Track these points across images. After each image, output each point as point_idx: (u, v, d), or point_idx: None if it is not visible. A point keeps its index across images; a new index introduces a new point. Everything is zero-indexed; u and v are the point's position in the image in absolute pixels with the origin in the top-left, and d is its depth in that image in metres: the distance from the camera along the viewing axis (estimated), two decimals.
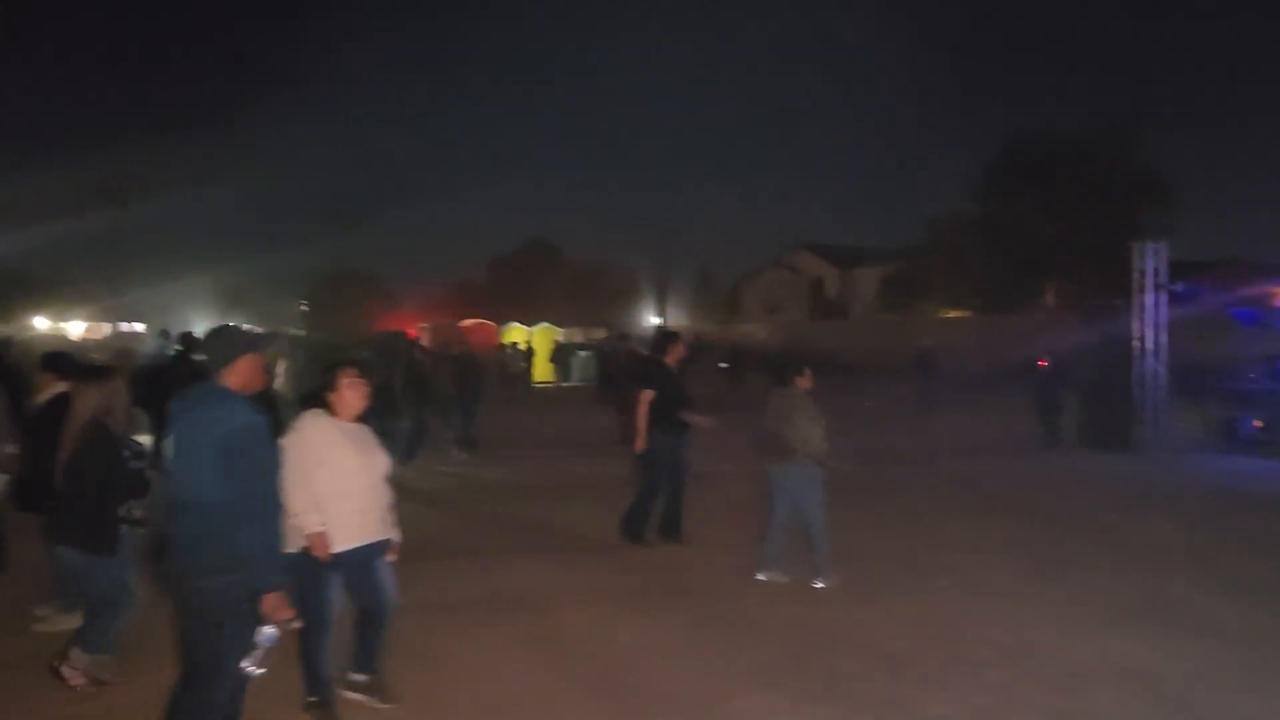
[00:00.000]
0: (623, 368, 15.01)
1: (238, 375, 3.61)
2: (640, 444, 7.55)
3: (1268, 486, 11.16)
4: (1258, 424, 13.96)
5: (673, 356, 7.88)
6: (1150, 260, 13.84)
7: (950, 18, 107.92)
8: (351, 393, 4.30)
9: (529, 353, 28.47)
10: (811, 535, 6.70)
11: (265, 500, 3.54)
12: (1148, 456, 13.52)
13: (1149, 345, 13.85)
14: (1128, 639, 5.65)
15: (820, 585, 6.64)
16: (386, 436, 11.35)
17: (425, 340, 29.60)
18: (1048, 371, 14.85)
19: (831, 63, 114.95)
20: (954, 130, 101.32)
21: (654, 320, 53.18)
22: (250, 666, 3.48)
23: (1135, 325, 13.93)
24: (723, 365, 29.88)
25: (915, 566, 7.34)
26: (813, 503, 6.65)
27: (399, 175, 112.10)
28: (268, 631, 3.47)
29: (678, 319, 64.90)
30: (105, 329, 50.33)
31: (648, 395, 7.57)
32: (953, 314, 45.21)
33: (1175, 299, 14.10)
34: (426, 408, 13.28)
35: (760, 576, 6.83)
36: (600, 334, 39.52)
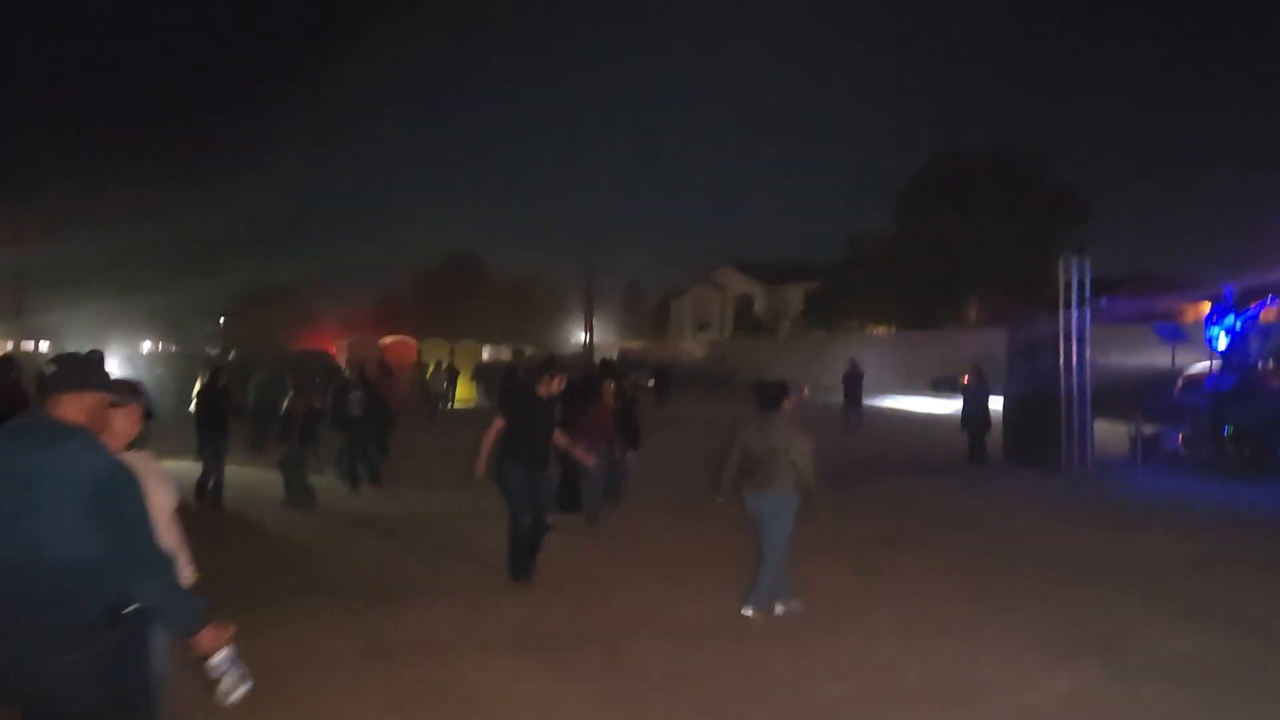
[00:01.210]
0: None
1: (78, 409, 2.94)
2: (479, 467, 7.21)
3: (1194, 505, 11.01)
4: (1180, 440, 13.96)
5: (546, 387, 7.46)
6: (1074, 274, 13.74)
7: (874, 39, 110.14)
8: (122, 421, 3.39)
9: (452, 372, 27.39)
10: (766, 562, 6.33)
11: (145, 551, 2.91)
12: (1073, 473, 13.38)
13: (1073, 360, 13.74)
14: (1078, 676, 5.22)
15: (749, 612, 6.27)
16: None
17: (342, 358, 28.52)
18: (972, 387, 14.66)
19: (757, 83, 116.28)
20: (879, 149, 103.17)
21: (581, 337, 52.56)
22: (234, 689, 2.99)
23: (1060, 340, 13.81)
24: (649, 383, 29.39)
25: (850, 598, 6.84)
26: (784, 531, 6.30)
27: (326, 193, 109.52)
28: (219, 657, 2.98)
29: (606, 336, 64.66)
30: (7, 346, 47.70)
31: (498, 423, 7.23)
32: (878, 330, 45.64)
33: (1098, 313, 14.02)
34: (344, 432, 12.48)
35: (747, 613, 6.32)
36: (529, 351, 38.83)
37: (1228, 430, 13.51)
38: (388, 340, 33.05)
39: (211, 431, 10.70)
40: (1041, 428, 13.85)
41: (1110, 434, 14.84)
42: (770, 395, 6.49)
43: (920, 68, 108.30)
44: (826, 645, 5.80)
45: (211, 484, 10.56)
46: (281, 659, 5.29)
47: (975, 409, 14.51)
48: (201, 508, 10.21)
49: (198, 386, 11.99)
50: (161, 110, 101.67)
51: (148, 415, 3.55)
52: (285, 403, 10.88)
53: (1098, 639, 5.87)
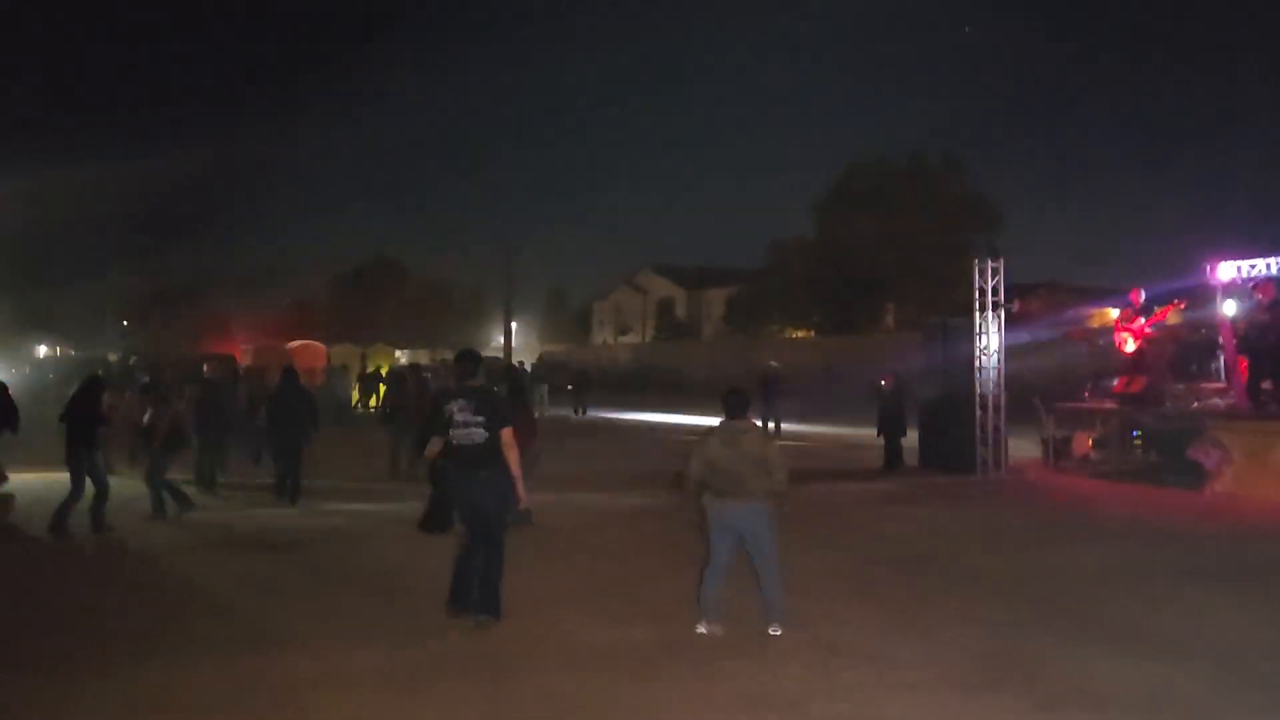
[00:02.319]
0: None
1: None
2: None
3: (1106, 512, 10.95)
4: (1089, 443, 14.01)
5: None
6: (989, 278, 13.67)
7: (794, 43, 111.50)
8: None
9: (374, 376, 25.77)
10: (767, 581, 6.14)
11: None
12: (988, 479, 13.30)
13: (987, 364, 13.67)
14: (994, 710, 4.88)
15: (777, 632, 6.03)
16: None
17: (247, 361, 27.37)
18: (889, 392, 14.52)
19: (680, 84, 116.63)
20: (799, 156, 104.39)
21: (499, 340, 51.72)
22: None
23: (974, 343, 13.74)
24: (568, 387, 28.84)
25: (753, 622, 6.43)
26: (771, 543, 6.13)
27: (239, 193, 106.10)
28: None
29: (528, 340, 63.82)
30: None
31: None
32: (798, 334, 45.89)
33: (1012, 318, 13.99)
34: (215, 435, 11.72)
35: (701, 629, 6.08)
36: (445, 354, 37.81)
37: (1136, 434, 13.61)
38: (295, 344, 31.82)
39: (79, 447, 9.72)
40: (956, 433, 13.75)
41: (1024, 439, 14.85)
42: (739, 402, 6.32)
43: (844, 75, 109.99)
44: (731, 674, 5.37)
45: (65, 506, 9.52)
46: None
47: (892, 415, 14.36)
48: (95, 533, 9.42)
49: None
50: (69, 98, 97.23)
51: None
52: (148, 412, 10.06)
53: (1019, 665, 5.55)
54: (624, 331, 62.19)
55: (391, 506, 10.77)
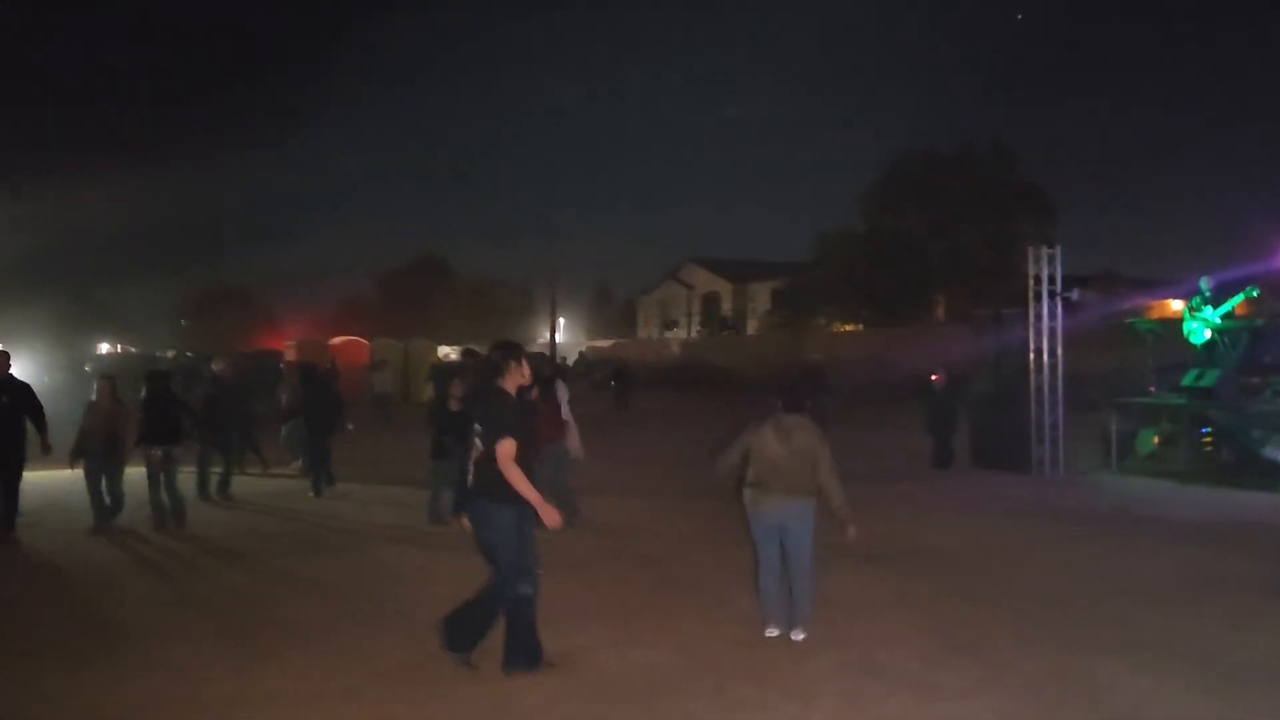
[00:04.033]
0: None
1: None
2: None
3: (1174, 515, 10.13)
4: (1156, 440, 13.14)
5: (514, 380, 6.00)
6: (1044, 266, 12.88)
7: (840, 35, 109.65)
8: None
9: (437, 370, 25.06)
10: (798, 581, 5.84)
11: None
12: (1045, 478, 12.53)
13: (1044, 357, 12.88)
14: None
15: (800, 637, 5.75)
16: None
17: (291, 356, 27.26)
18: (941, 386, 13.78)
19: (725, 76, 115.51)
20: (845, 148, 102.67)
21: (545, 337, 51.55)
22: None
23: (1030, 335, 12.95)
24: (610, 383, 28.33)
25: (784, 642, 5.86)
26: (809, 546, 5.85)
27: (292, 193, 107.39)
28: None
29: (575, 336, 63.64)
30: None
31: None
32: (845, 328, 44.98)
33: (1070, 307, 13.17)
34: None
35: (771, 632, 5.84)
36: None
37: (1206, 431, 12.74)
38: (338, 340, 31.75)
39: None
40: (1011, 430, 12.99)
41: (1085, 435, 14.00)
42: (798, 395, 5.98)
43: (888, 65, 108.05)
44: (753, 705, 4.81)
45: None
46: None
47: (943, 411, 13.63)
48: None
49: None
50: (126, 104, 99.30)
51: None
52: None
53: (1078, 693, 4.92)
54: (670, 326, 61.66)
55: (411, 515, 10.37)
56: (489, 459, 5.04)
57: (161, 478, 9.45)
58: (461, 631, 5.20)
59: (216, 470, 11.35)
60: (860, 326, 43.82)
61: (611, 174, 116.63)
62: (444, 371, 15.41)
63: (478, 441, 5.12)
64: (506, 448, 4.99)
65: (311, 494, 11.44)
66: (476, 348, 15.19)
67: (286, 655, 5.65)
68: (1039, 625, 6.10)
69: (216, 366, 12.08)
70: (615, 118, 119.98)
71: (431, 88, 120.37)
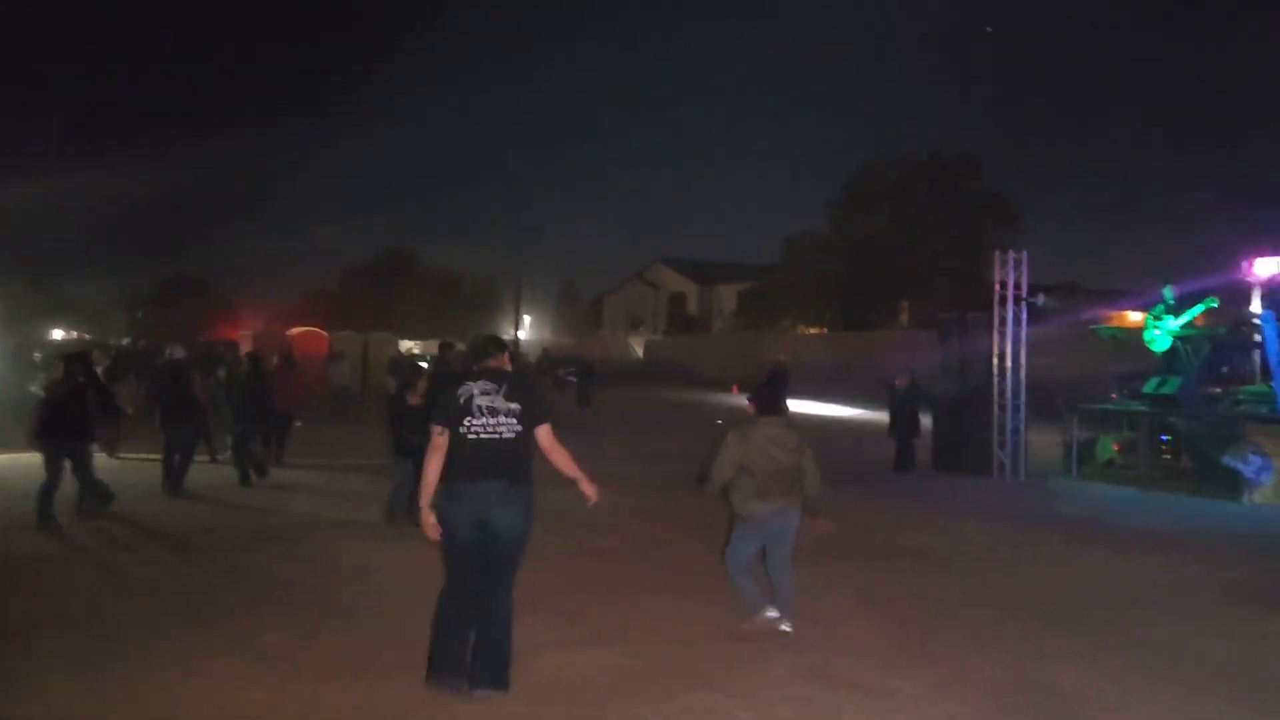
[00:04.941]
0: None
1: None
2: (428, 522, 4.71)
3: (1132, 521, 10.10)
4: (1116, 447, 13.17)
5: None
6: (1010, 271, 12.85)
7: (812, 41, 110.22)
8: None
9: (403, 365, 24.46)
10: (783, 579, 5.83)
11: None
12: (1006, 483, 12.50)
13: (1008, 361, 12.85)
14: None
15: (789, 628, 5.69)
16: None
17: (246, 347, 26.71)
18: (904, 390, 13.71)
19: (696, 79, 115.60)
20: (817, 152, 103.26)
21: (511, 333, 51.22)
22: None
23: (994, 340, 12.92)
24: (570, 378, 27.99)
25: (746, 640, 5.68)
26: (790, 546, 5.84)
27: (255, 183, 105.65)
28: None
29: (541, 334, 63.28)
30: None
31: (440, 439, 4.80)
32: (811, 331, 45.13)
33: (1035, 313, 13.15)
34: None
35: (771, 614, 5.74)
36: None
37: (1166, 438, 12.77)
38: (295, 331, 31.15)
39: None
40: (973, 434, 12.95)
41: (1043, 440, 13.99)
42: (774, 397, 5.82)
43: (857, 71, 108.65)
44: (702, 711, 4.62)
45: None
46: None
47: (906, 414, 13.56)
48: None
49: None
50: (93, 90, 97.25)
51: None
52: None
53: (1042, 700, 4.79)
54: (635, 325, 61.54)
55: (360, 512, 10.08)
56: (528, 443, 4.69)
57: (67, 464, 9.04)
58: (503, 662, 4.69)
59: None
60: (825, 330, 43.99)
61: (582, 173, 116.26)
62: (403, 365, 15.07)
63: (499, 422, 4.62)
64: (550, 432, 4.79)
65: (239, 483, 11.17)
66: (453, 341, 14.85)
67: (215, 651, 5.38)
68: (1000, 631, 5.98)
69: (171, 353, 11.65)
70: (588, 117, 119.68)
71: (404, 84, 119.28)
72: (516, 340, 43.86)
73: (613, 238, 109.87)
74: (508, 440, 4.64)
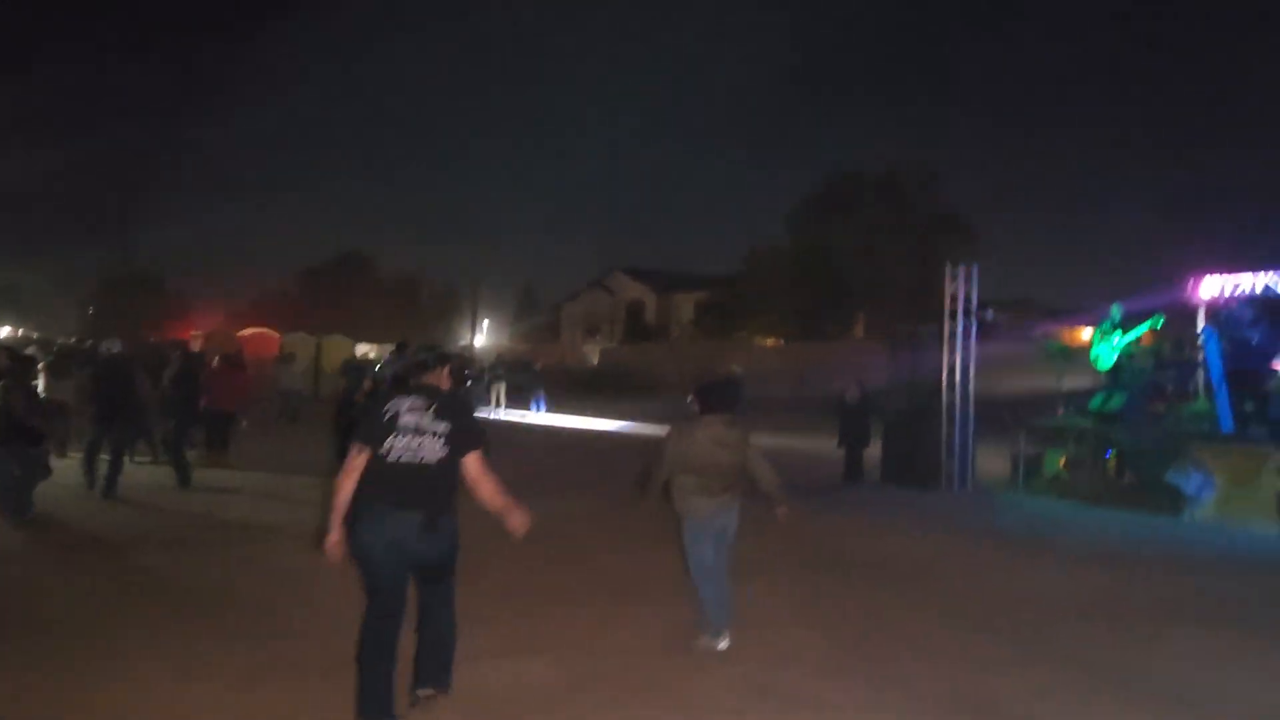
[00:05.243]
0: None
1: None
2: (333, 543, 4.37)
3: (1077, 535, 10.18)
4: (1062, 462, 13.30)
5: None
6: (961, 284, 12.94)
7: (773, 53, 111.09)
8: None
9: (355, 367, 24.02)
10: (722, 584, 5.70)
11: None
12: (953, 495, 12.55)
13: (957, 375, 12.93)
14: None
15: (726, 645, 5.57)
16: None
17: (197, 347, 26.23)
18: (854, 401, 13.73)
19: (659, 91, 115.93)
20: (775, 164, 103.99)
21: (470, 339, 50.84)
22: None
23: (944, 353, 12.99)
24: (518, 387, 27.84)
25: (683, 653, 5.58)
26: (726, 546, 5.75)
27: (220, 184, 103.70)
28: None
29: (499, 339, 62.90)
30: None
31: (358, 458, 4.48)
32: (767, 342, 45.38)
33: (985, 327, 13.25)
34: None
35: (722, 645, 5.58)
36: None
37: (1110, 454, 12.92)
38: (246, 332, 30.67)
39: None
40: (921, 446, 13.00)
41: (994, 454, 14.10)
42: (722, 395, 5.75)
43: (817, 84, 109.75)
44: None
45: None
46: None
47: (855, 425, 13.59)
48: None
49: None
50: (45, 78, 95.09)
51: None
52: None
53: (984, 714, 4.74)
54: (593, 333, 61.42)
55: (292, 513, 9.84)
56: (455, 466, 4.34)
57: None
58: (447, 663, 4.60)
59: (105, 456, 10.60)
60: (781, 341, 44.28)
61: (545, 180, 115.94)
62: (356, 368, 14.76)
63: (423, 442, 4.30)
64: (478, 460, 4.41)
65: (178, 486, 10.88)
66: (407, 343, 14.60)
67: (134, 659, 5.17)
68: (942, 643, 5.94)
69: (108, 348, 11.28)
70: (549, 125, 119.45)
71: (367, 84, 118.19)
72: (471, 347, 43.50)
73: (574, 245, 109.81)
74: (428, 466, 4.28)
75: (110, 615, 6.02)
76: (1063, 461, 13.26)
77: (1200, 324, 13.16)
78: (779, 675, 5.23)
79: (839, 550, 8.90)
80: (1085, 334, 14.93)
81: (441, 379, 4.64)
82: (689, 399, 5.84)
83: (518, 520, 4.47)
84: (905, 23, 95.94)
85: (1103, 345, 13.32)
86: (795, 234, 43.99)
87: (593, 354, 52.95)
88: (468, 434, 4.40)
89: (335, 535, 4.26)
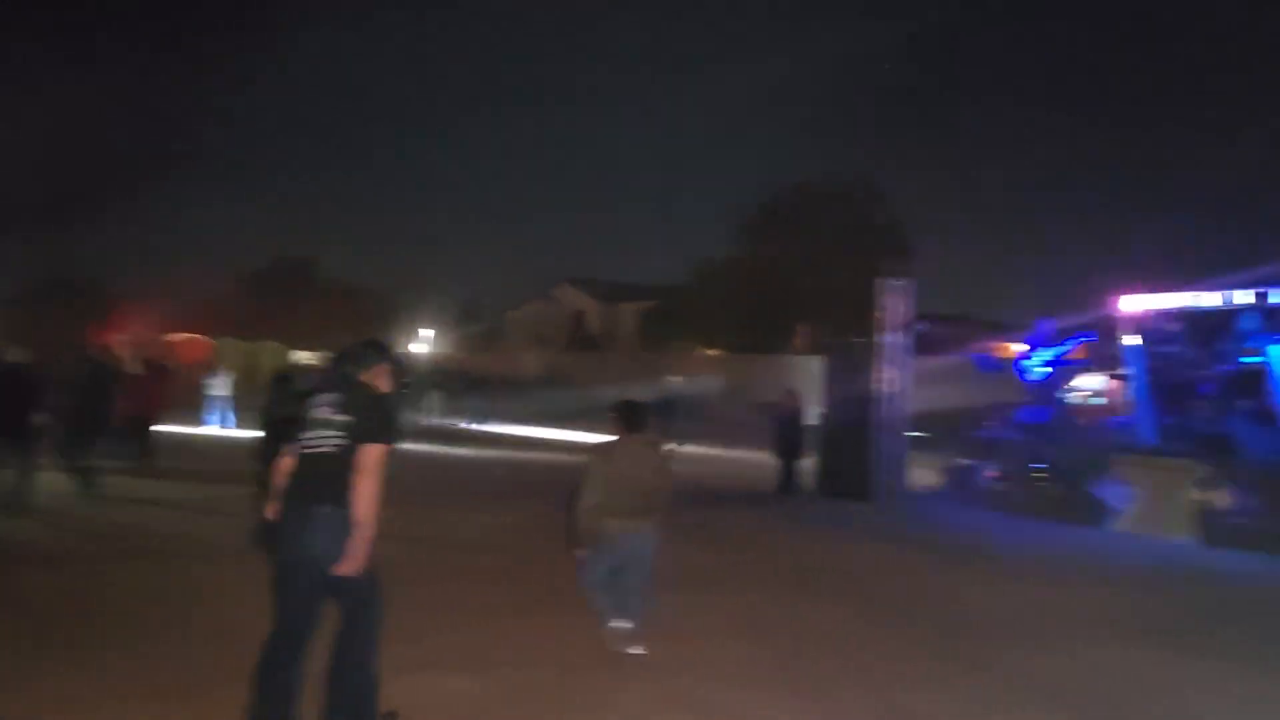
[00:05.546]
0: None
1: None
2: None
3: (1004, 547, 10.35)
4: (993, 474, 13.51)
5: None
6: (895, 297, 13.10)
7: (713, 67, 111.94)
8: None
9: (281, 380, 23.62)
10: (638, 598, 5.71)
11: None
12: (885, 508, 12.67)
13: (891, 387, 13.08)
14: None
15: (640, 651, 5.62)
16: None
17: (124, 353, 25.46)
18: (787, 412, 13.83)
19: (602, 101, 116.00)
20: (725, 177, 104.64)
21: (414, 347, 50.23)
22: None
23: (878, 366, 13.14)
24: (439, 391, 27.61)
25: (606, 666, 5.51)
26: (646, 569, 5.72)
27: (162, 186, 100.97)
28: None
29: (441, 347, 62.28)
30: None
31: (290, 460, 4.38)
32: (710, 352, 45.59)
33: (919, 341, 13.43)
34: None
35: (637, 650, 5.64)
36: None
37: (1037, 466, 13.16)
38: (177, 338, 29.89)
39: None
40: (855, 458, 13.12)
41: (927, 466, 14.29)
42: (643, 414, 5.80)
43: (768, 99, 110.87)
44: None
45: None
46: None
47: (789, 437, 13.67)
48: None
49: None
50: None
51: None
52: None
53: None
54: (537, 342, 61.19)
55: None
56: (348, 459, 4.04)
57: None
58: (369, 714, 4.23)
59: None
60: (723, 352, 44.51)
61: (492, 190, 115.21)
62: (282, 377, 14.39)
63: (321, 436, 4.11)
64: (374, 454, 4.05)
65: (82, 493, 10.52)
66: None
67: (53, 673, 4.95)
68: (868, 655, 5.96)
69: (4, 354, 10.82)
70: (497, 131, 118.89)
71: (312, 89, 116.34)
72: (409, 354, 43.01)
73: (519, 256, 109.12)
74: (324, 455, 4.07)
75: (20, 633, 5.75)
76: (997, 474, 13.47)
77: (1125, 340, 13.49)
78: (710, 688, 5.20)
79: (770, 563, 8.92)
80: (1014, 348, 15.23)
81: (378, 377, 4.38)
82: (610, 417, 5.82)
83: (351, 560, 3.97)
84: (854, 38, 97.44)
85: (1033, 360, 13.61)
86: (740, 245, 44.33)
87: (535, 364, 52.74)
88: (368, 427, 4.10)
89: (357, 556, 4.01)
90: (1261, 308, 11.82)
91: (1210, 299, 12.44)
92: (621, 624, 5.65)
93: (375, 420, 4.14)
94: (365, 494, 3.99)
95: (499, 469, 16.00)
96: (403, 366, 10.61)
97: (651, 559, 5.74)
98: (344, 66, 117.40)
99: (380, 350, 4.51)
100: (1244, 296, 12.02)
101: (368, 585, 4.17)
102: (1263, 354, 11.68)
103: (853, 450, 13.20)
